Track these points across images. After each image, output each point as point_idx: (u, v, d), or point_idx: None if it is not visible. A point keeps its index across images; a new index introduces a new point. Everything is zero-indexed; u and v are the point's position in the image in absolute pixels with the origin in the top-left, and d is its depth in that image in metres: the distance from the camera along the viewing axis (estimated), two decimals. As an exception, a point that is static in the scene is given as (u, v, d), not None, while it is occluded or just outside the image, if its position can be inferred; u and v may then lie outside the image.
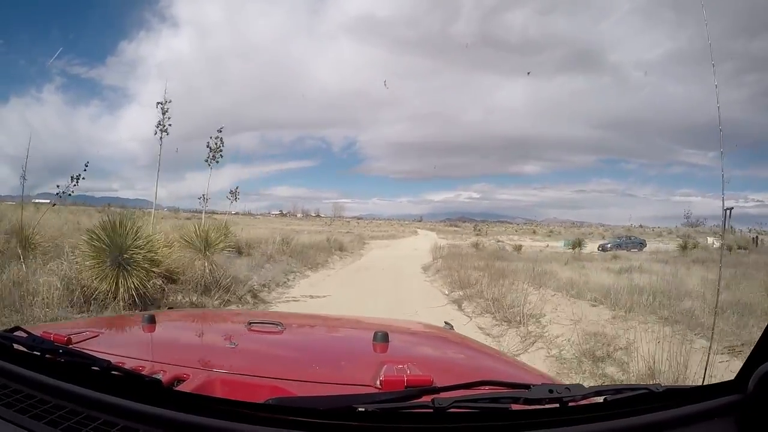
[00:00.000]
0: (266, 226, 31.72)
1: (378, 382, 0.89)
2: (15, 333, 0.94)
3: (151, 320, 1.36)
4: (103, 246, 5.49)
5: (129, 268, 5.45)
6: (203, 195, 10.89)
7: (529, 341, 5.09)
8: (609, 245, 26.07)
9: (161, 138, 8.25)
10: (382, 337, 1.22)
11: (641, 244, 27.41)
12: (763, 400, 0.68)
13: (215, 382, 0.89)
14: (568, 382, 0.81)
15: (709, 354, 2.84)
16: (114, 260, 5.41)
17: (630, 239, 28.84)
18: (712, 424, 0.71)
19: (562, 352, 4.48)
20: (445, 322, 1.80)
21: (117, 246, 5.50)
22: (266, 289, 8.22)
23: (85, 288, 5.25)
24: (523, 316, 5.78)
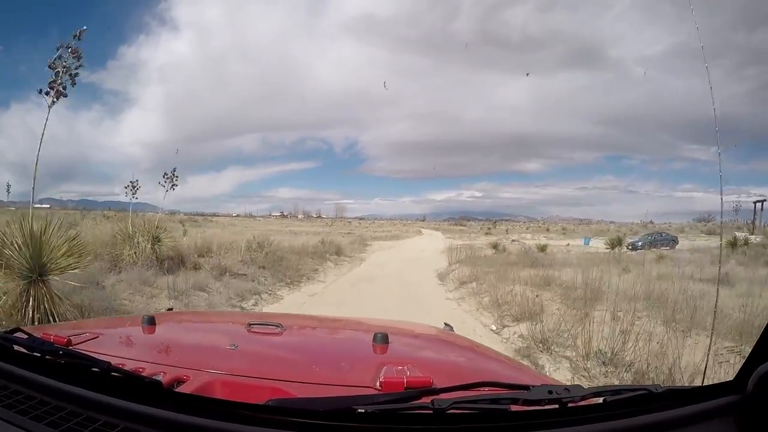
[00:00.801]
0: (262, 228, 30.00)
1: (378, 384, 0.89)
2: (15, 334, 0.94)
3: (151, 321, 1.36)
4: None
5: None
6: (131, 182, 9.53)
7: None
8: (640, 243, 22.86)
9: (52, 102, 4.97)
10: (381, 339, 1.22)
11: (673, 241, 24.56)
12: (762, 400, 0.68)
13: (215, 384, 0.89)
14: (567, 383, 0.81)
15: (708, 355, 2.84)
16: None
17: (661, 236, 25.88)
18: (711, 425, 0.71)
19: None
20: (445, 323, 1.80)
21: None
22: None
23: None
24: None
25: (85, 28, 5.37)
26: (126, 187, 9.68)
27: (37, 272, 4.16)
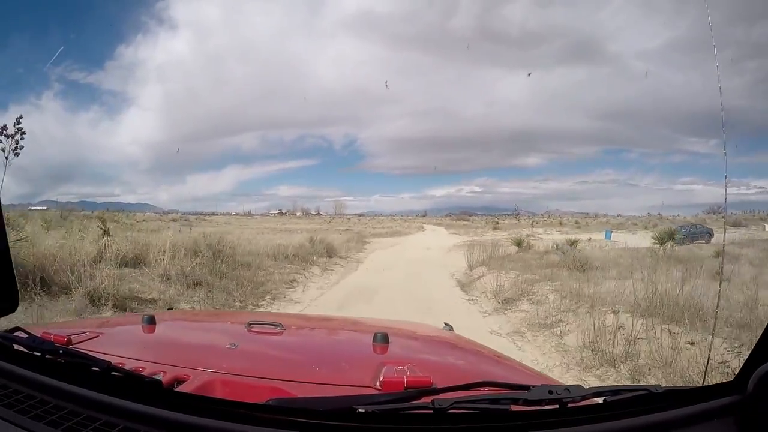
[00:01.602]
0: (256, 226, 28.55)
1: (378, 383, 0.89)
2: (15, 333, 0.94)
3: (151, 321, 1.36)
4: None
5: None
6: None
7: None
8: (676, 238, 20.09)
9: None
10: (381, 339, 1.22)
11: (708, 234, 21.87)
12: (762, 400, 0.68)
13: (215, 383, 0.89)
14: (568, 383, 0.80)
15: (709, 355, 2.84)
16: None
17: (696, 228, 22.97)
18: (711, 425, 0.71)
19: None
20: (445, 323, 1.80)
21: None
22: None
23: None
24: None
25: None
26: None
27: None
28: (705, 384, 1.33)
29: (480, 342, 1.52)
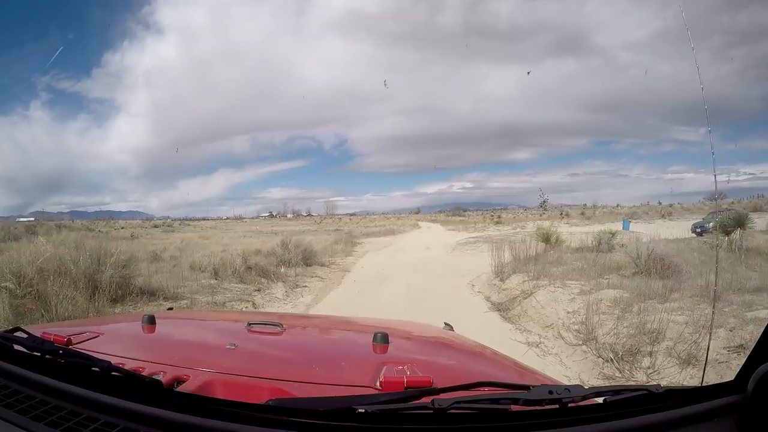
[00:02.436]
0: (242, 230, 27.19)
1: (378, 383, 0.89)
2: (15, 334, 0.94)
3: (151, 321, 1.36)
4: None
5: None
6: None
7: None
8: (710, 226, 15.98)
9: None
10: (381, 338, 1.22)
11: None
12: (762, 400, 0.68)
13: (215, 383, 0.89)
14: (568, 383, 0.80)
15: (707, 354, 2.85)
16: None
17: (731, 214, 20.92)
18: (711, 425, 0.71)
19: None
20: (445, 323, 1.80)
21: None
22: None
23: None
24: None
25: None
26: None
27: None
28: (705, 384, 1.33)
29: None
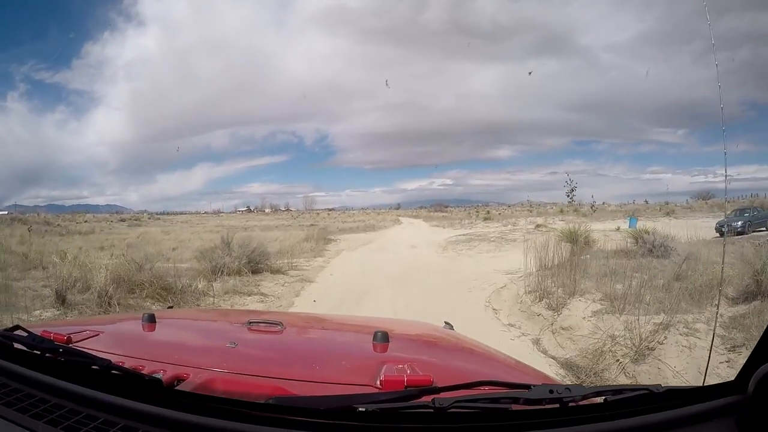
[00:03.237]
0: (212, 224, 25.46)
1: (378, 382, 0.89)
2: (15, 332, 0.94)
3: (151, 319, 1.35)
4: None
5: None
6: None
7: None
8: (740, 224, 14.77)
9: None
10: (382, 337, 1.22)
11: None
12: (763, 400, 0.68)
13: (215, 382, 0.89)
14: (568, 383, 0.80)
15: (710, 354, 2.84)
16: None
17: (758, 211, 17.87)
18: (712, 425, 0.71)
19: None
20: (445, 322, 1.79)
21: None
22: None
23: None
24: None
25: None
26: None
27: None
28: (705, 384, 1.33)
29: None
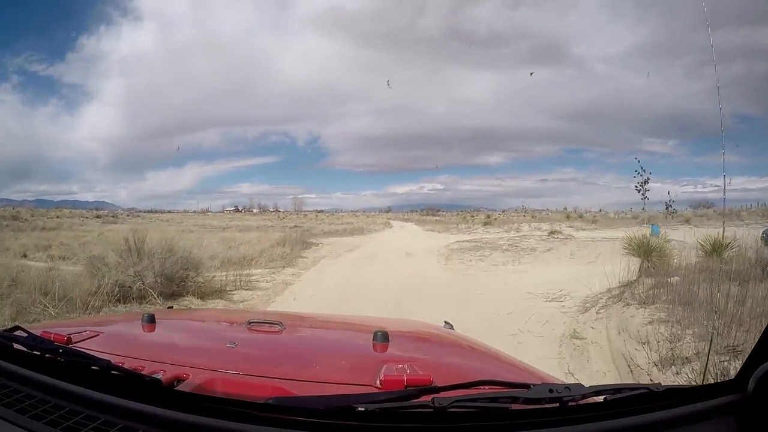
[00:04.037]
0: (191, 222, 24.14)
1: (378, 382, 0.89)
2: (15, 332, 0.94)
3: (151, 320, 1.35)
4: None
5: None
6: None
7: None
8: None
9: None
10: (382, 337, 1.22)
11: None
12: (762, 399, 0.68)
13: (215, 382, 0.89)
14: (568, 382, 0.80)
15: (708, 354, 2.84)
16: None
17: None
18: (711, 424, 0.71)
19: None
20: (445, 322, 1.80)
21: None
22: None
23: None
24: None
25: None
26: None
27: None
28: (705, 383, 1.33)
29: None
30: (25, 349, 0.86)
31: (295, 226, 23.49)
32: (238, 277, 7.11)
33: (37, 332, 0.96)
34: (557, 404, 0.71)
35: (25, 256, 9.59)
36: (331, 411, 0.67)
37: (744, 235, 6.15)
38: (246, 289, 6.91)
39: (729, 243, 5.89)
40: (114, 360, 0.82)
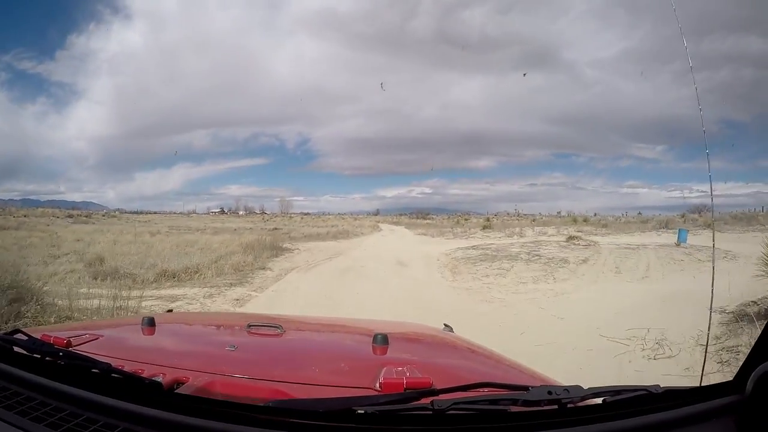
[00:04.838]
0: (166, 224, 22.85)
1: (377, 385, 0.89)
2: (15, 336, 0.94)
3: (151, 323, 1.35)
4: None
5: None
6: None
7: None
8: None
9: None
10: (381, 340, 1.22)
11: None
12: (761, 400, 0.69)
13: (215, 385, 0.89)
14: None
15: (705, 354, 2.85)
16: None
17: None
18: (710, 425, 0.72)
19: None
20: (445, 324, 1.80)
21: None
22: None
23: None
24: None
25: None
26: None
27: None
28: (704, 384, 1.33)
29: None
30: (25, 352, 0.87)
31: (275, 229, 21.82)
32: (138, 302, 4.78)
33: (37, 335, 0.96)
34: (556, 406, 0.71)
35: None
36: (331, 414, 0.68)
37: None
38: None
39: None
40: (114, 363, 0.82)
